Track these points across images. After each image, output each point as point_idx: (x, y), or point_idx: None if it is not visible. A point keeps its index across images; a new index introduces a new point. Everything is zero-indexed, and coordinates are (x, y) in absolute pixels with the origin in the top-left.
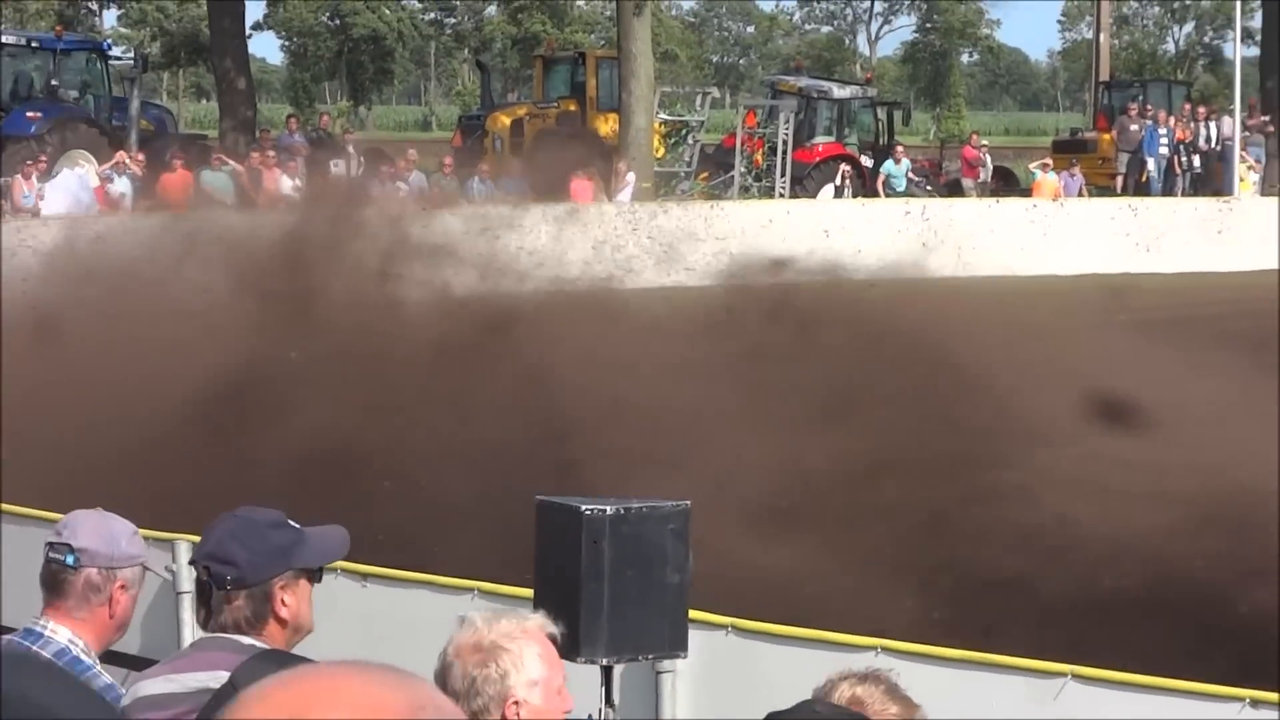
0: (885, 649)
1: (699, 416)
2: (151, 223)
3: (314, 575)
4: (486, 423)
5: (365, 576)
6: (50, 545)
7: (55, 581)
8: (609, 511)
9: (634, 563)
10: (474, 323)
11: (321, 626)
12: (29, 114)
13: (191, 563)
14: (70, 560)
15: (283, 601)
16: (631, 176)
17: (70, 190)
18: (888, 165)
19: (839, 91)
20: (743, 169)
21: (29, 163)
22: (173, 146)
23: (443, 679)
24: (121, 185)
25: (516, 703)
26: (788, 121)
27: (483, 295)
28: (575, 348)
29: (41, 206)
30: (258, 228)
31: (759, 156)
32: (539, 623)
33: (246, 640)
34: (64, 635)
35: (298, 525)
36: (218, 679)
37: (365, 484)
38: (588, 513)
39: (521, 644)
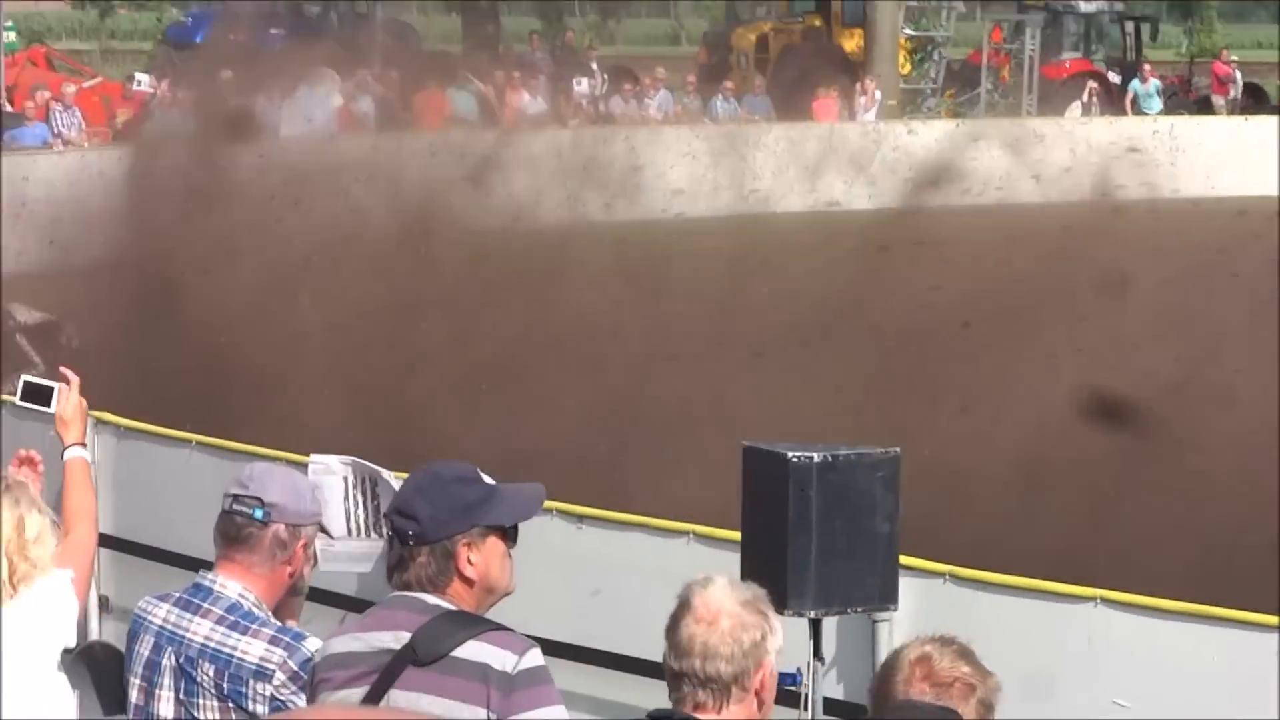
0: (1105, 599)
1: None
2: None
3: (507, 534)
4: None
5: (581, 518)
6: (234, 497)
7: (240, 535)
8: (816, 459)
9: (842, 512)
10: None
11: (533, 569)
12: (272, 31)
13: (385, 516)
14: (259, 515)
15: (468, 560)
16: (878, 94)
17: (306, 112)
18: (1135, 84)
19: (1086, 5)
20: (989, 86)
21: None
22: (416, 63)
23: (686, 636)
24: (364, 104)
25: (769, 671)
26: (1034, 37)
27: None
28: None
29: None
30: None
31: (1005, 73)
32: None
33: (433, 600)
34: (234, 589)
35: (492, 481)
36: (400, 639)
37: None
38: (795, 460)
39: (771, 610)
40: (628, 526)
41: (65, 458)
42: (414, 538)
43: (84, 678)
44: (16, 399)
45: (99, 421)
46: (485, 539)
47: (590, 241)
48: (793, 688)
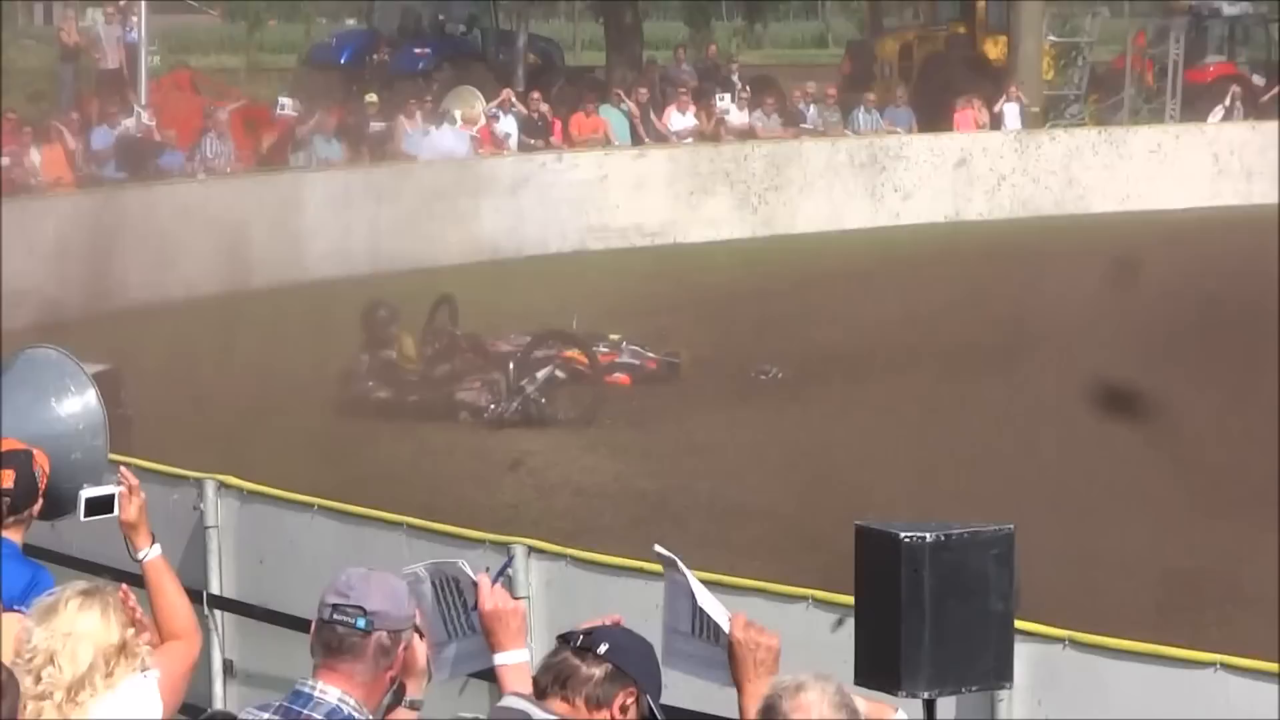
0: (1225, 665)
1: None
2: None
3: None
4: None
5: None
6: (334, 607)
7: (344, 645)
8: (929, 538)
9: (956, 591)
10: None
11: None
12: (416, 50)
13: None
14: (362, 624)
15: (622, 708)
16: (1020, 100)
17: (446, 146)
18: None
19: (1230, 8)
20: (1132, 91)
21: (414, 101)
22: (559, 82)
23: None
24: (507, 125)
25: None
26: (1178, 41)
27: None
28: None
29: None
30: None
31: (1150, 77)
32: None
33: (539, 714)
34: (334, 695)
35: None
36: None
37: None
38: (907, 540)
39: (854, 701)
40: (745, 591)
41: (144, 560)
42: (609, 653)
43: None
44: (80, 517)
45: (223, 485)
46: (639, 713)
47: None
48: None
